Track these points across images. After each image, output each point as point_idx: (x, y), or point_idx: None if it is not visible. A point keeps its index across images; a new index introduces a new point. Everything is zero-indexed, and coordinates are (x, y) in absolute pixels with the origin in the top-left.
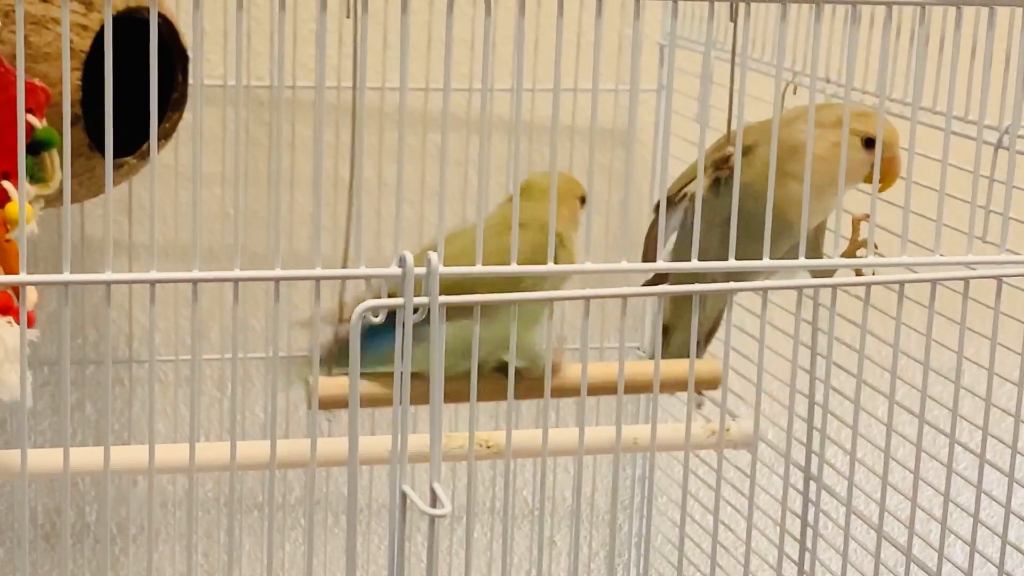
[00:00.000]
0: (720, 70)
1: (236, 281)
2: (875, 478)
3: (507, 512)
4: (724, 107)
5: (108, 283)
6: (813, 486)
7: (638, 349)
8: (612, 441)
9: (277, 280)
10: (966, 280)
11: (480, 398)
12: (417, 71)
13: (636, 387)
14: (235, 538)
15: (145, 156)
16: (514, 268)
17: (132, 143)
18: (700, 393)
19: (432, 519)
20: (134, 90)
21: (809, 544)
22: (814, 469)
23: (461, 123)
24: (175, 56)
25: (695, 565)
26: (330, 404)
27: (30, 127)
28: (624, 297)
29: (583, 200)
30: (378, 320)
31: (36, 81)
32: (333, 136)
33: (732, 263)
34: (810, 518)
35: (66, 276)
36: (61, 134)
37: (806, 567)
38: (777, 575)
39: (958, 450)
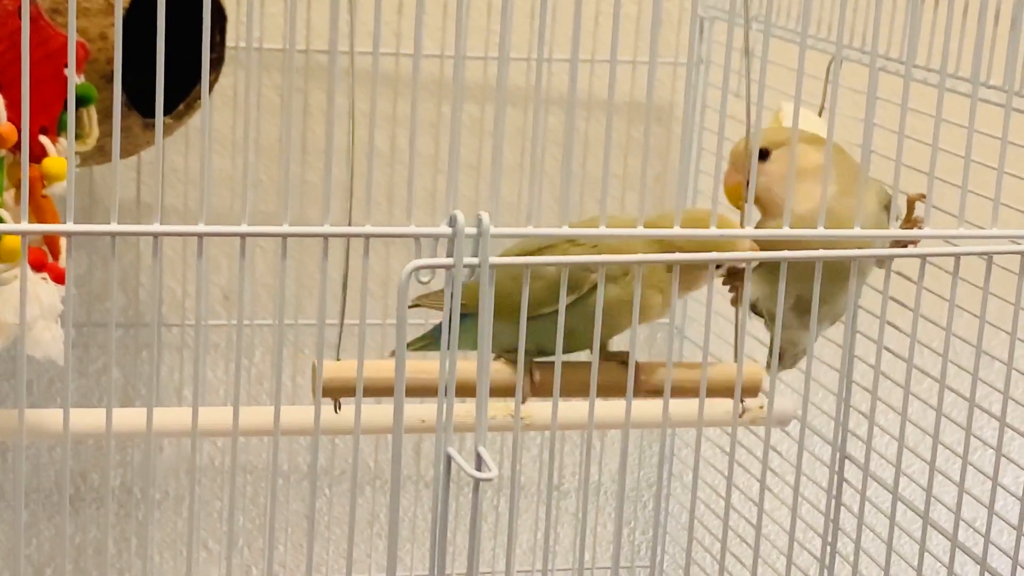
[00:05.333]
0: (757, 42)
1: (285, 237)
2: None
3: (550, 484)
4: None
5: (156, 235)
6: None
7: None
8: (648, 416)
9: (326, 236)
10: (1022, 255)
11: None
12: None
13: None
14: (274, 506)
15: (181, 116)
16: (564, 231)
17: (168, 103)
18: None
19: (477, 483)
20: (170, 49)
21: (845, 527)
22: (851, 450)
23: (486, 93)
24: (213, 16)
25: (739, 533)
26: (338, 391)
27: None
28: (677, 263)
29: None
30: (426, 281)
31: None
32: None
33: (786, 231)
34: (843, 499)
35: (113, 227)
36: (97, 90)
37: (839, 548)
38: (821, 561)
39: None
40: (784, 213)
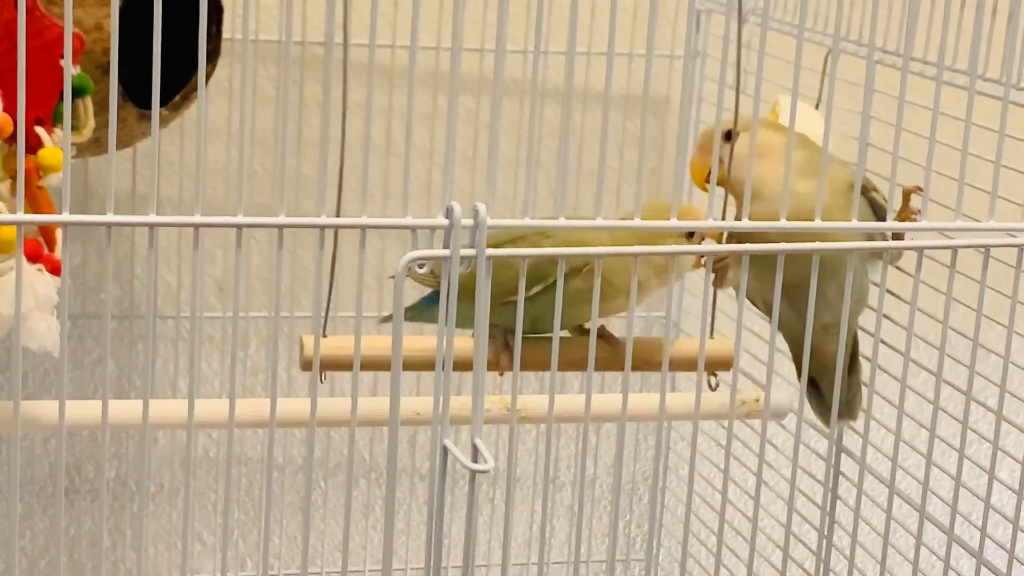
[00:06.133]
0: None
1: (281, 228)
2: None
3: (546, 477)
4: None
5: (152, 225)
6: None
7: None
8: (646, 410)
9: (323, 228)
10: (1019, 248)
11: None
12: (430, 31)
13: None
14: (268, 498)
15: (177, 108)
16: (560, 222)
17: (164, 94)
18: (713, 374)
19: (473, 475)
20: (167, 41)
21: (841, 520)
22: (847, 443)
23: (483, 85)
24: (210, 8)
25: (735, 527)
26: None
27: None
28: (672, 255)
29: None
30: (423, 271)
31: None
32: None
33: (784, 224)
34: (839, 492)
35: (109, 217)
36: (93, 81)
37: (835, 541)
38: (818, 554)
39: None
40: (744, 197)
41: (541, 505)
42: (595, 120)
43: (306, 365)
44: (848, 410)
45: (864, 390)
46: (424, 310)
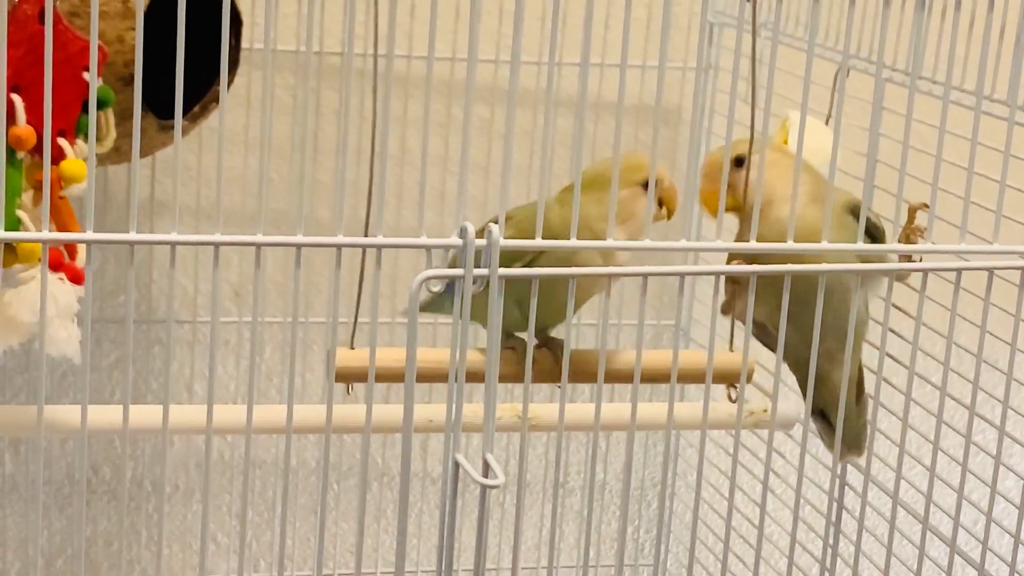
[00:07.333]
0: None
1: (299, 247)
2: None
3: (556, 483)
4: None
5: (173, 244)
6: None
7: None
8: (655, 419)
9: (339, 247)
10: (1022, 270)
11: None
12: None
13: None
14: (283, 503)
15: (196, 118)
16: (573, 243)
17: (183, 105)
18: (733, 386)
19: (484, 489)
20: (186, 52)
21: (846, 529)
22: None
23: (496, 96)
24: (230, 20)
25: (741, 534)
26: (351, 377)
27: (87, 85)
28: (681, 276)
29: (645, 185)
30: (437, 290)
31: None
32: (359, 102)
33: (791, 245)
34: (844, 502)
35: (132, 236)
36: (115, 92)
37: (840, 551)
38: (822, 563)
39: (992, 442)
40: (752, 219)
41: (551, 510)
42: (607, 130)
43: (339, 378)
44: (856, 444)
45: (869, 426)
46: (443, 304)
